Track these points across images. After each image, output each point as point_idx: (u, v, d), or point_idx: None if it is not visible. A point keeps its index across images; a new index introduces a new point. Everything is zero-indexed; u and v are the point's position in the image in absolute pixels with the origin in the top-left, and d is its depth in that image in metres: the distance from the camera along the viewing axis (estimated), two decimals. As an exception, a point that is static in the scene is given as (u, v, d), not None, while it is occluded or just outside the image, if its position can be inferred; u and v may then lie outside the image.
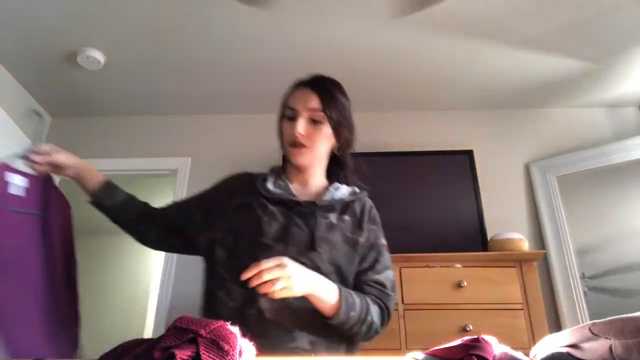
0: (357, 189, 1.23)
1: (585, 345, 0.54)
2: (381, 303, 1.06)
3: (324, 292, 0.96)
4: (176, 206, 1.33)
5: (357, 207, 1.17)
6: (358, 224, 1.13)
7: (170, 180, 3.20)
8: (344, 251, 1.08)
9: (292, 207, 1.10)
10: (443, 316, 2.14)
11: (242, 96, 3.04)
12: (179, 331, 0.52)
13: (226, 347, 0.50)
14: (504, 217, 2.74)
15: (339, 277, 1.06)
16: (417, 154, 2.91)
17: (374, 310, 1.04)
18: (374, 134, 3.08)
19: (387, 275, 1.11)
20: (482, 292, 2.19)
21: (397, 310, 2.15)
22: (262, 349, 0.60)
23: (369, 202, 1.21)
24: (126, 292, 4.74)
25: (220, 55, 2.68)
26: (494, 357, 0.54)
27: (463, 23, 2.43)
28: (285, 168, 1.24)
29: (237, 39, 2.56)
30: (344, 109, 1.18)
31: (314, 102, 1.14)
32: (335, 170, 1.25)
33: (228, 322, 0.55)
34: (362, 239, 1.11)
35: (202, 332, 0.51)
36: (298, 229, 1.06)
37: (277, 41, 2.57)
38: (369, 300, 1.04)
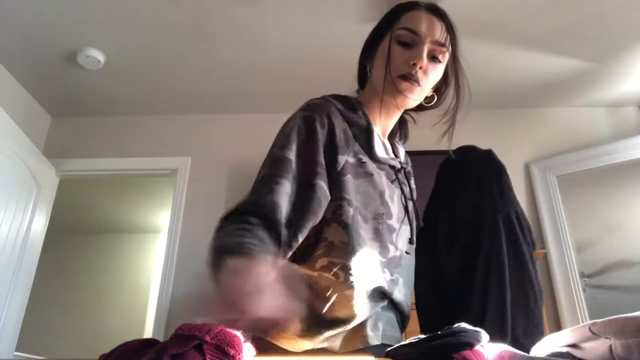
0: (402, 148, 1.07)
1: (585, 345, 0.54)
2: None
3: None
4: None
5: (411, 172, 1.07)
6: (409, 166, 1.04)
7: (170, 180, 3.21)
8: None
9: (394, 174, 0.93)
10: (443, 316, 2.14)
11: (242, 96, 3.04)
12: (183, 339, 0.51)
13: (232, 352, 0.50)
14: (504, 217, 2.74)
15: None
16: (417, 154, 2.90)
17: None
18: (374, 133, 3.08)
19: None
20: (482, 292, 2.18)
21: (397, 310, 2.15)
22: None
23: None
24: (126, 292, 4.75)
25: (220, 55, 2.68)
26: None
27: (463, 23, 2.42)
28: (358, 100, 0.97)
29: (237, 39, 2.56)
30: (460, 57, 0.99)
31: (440, 34, 0.92)
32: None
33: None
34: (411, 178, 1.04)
35: (207, 337, 0.51)
36: (408, 202, 0.93)
37: (277, 41, 2.57)
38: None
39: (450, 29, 0.96)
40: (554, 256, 2.63)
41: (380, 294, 0.83)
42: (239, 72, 2.82)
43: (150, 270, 4.82)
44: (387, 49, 0.90)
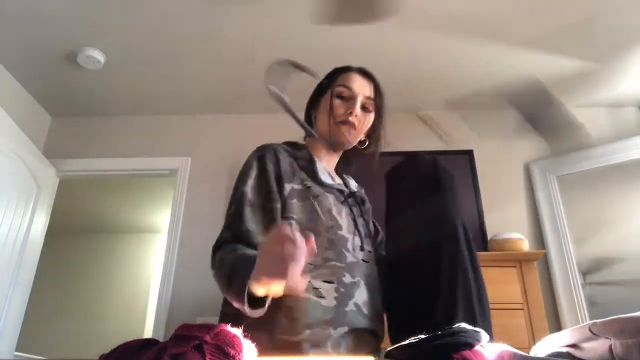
0: (353, 180, 1.30)
1: (585, 345, 0.54)
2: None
3: None
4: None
5: (365, 198, 1.26)
6: (361, 194, 1.25)
7: (170, 180, 3.20)
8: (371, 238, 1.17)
9: (343, 197, 1.13)
10: (443, 316, 2.14)
11: (242, 96, 3.04)
12: (183, 339, 0.51)
13: (232, 352, 0.50)
14: (504, 217, 2.74)
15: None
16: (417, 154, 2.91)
17: None
18: (374, 134, 3.08)
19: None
20: (482, 292, 2.18)
21: (397, 310, 2.16)
22: None
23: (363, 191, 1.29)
24: (126, 292, 4.74)
25: (220, 55, 2.68)
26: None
27: (463, 23, 2.43)
28: (305, 144, 1.25)
29: (236, 39, 2.56)
30: (385, 108, 1.23)
31: (369, 90, 1.18)
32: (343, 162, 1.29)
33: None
34: (365, 205, 1.23)
35: (207, 338, 0.51)
36: (358, 219, 1.12)
37: (276, 42, 2.57)
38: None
39: (377, 88, 1.19)
40: (553, 256, 2.62)
41: (343, 296, 0.97)
42: (239, 72, 2.82)
43: (150, 270, 4.82)
44: (330, 102, 1.19)
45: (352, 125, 1.14)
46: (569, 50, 2.60)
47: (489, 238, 2.51)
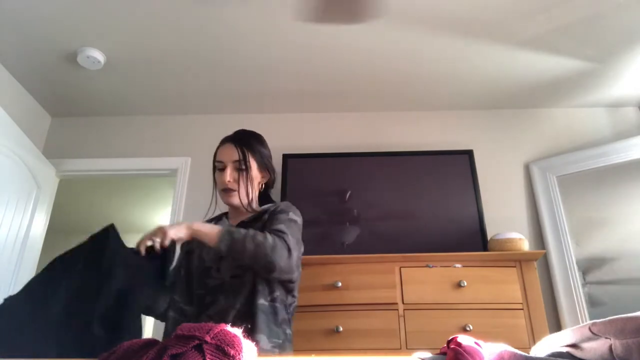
0: (277, 202, 1.55)
1: (585, 345, 0.54)
2: (273, 233, 1.31)
3: (205, 228, 1.28)
4: None
5: (272, 207, 1.49)
6: (270, 215, 1.45)
7: (170, 180, 3.21)
8: None
9: None
10: (443, 316, 2.14)
11: (242, 96, 3.04)
12: (183, 339, 0.51)
13: (232, 352, 0.50)
14: (504, 217, 2.74)
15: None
16: (417, 154, 2.91)
17: (260, 234, 1.28)
18: (374, 134, 3.08)
19: (280, 226, 1.36)
20: (482, 292, 2.19)
21: (397, 310, 2.16)
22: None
23: (283, 203, 1.51)
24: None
25: (220, 55, 2.68)
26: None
27: (463, 23, 2.43)
28: (228, 212, 1.61)
29: (237, 39, 2.56)
30: (262, 156, 1.53)
31: (235, 154, 1.48)
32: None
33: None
34: (265, 220, 1.44)
35: (207, 338, 0.51)
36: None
37: (277, 42, 2.57)
38: (256, 231, 1.31)
39: (244, 147, 1.50)
40: (553, 256, 2.63)
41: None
42: (239, 73, 2.82)
43: (150, 270, 4.81)
44: (213, 176, 1.55)
45: (231, 189, 1.47)
46: (569, 50, 2.60)
47: (489, 238, 2.51)
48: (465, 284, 2.19)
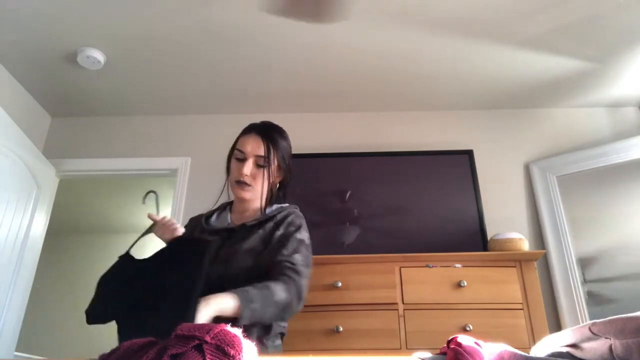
0: (284, 205, 1.44)
1: (585, 344, 0.54)
2: (286, 277, 1.20)
3: (221, 304, 1.09)
4: None
5: (279, 216, 1.38)
6: (276, 226, 1.35)
7: (170, 180, 3.21)
8: (258, 250, 1.28)
9: (226, 234, 1.33)
10: (443, 316, 2.14)
11: (242, 96, 3.04)
12: (183, 339, 0.51)
13: (232, 352, 0.50)
14: (504, 217, 2.74)
15: (257, 269, 1.25)
16: (417, 154, 2.91)
17: (279, 289, 1.15)
18: (374, 133, 3.08)
19: (296, 258, 1.26)
20: (482, 292, 2.19)
21: (397, 310, 2.16)
22: None
23: (291, 212, 1.41)
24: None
25: (220, 55, 2.68)
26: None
27: (463, 23, 2.43)
28: (233, 201, 1.48)
29: (237, 39, 2.56)
30: (285, 155, 1.43)
31: (261, 149, 1.36)
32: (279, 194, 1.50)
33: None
34: (275, 236, 1.31)
35: (207, 338, 0.51)
36: (227, 249, 1.29)
37: (277, 41, 2.57)
38: (269, 283, 1.16)
39: (270, 143, 1.38)
40: (554, 256, 2.63)
41: None
42: (239, 73, 2.82)
43: (150, 270, 4.81)
44: (230, 164, 1.42)
45: (245, 184, 1.35)
46: (569, 50, 2.60)
47: (489, 238, 2.51)
48: (465, 284, 2.19)
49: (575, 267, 2.59)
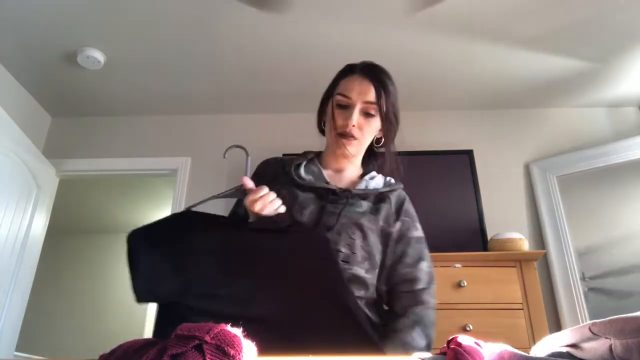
0: (392, 180, 1.22)
1: (585, 345, 0.54)
2: (417, 317, 1.03)
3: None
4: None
5: (393, 198, 1.16)
6: (392, 215, 1.13)
7: (170, 180, 3.21)
8: (374, 240, 1.07)
9: (326, 195, 1.09)
10: (443, 316, 2.12)
11: (242, 96, 3.04)
12: (183, 339, 0.51)
13: (232, 352, 0.50)
14: (504, 217, 2.74)
15: (371, 265, 1.05)
16: (417, 153, 2.91)
17: (417, 336, 0.99)
18: (374, 134, 3.08)
19: (421, 268, 1.10)
20: (482, 292, 2.19)
21: (397, 310, 2.16)
22: None
23: (403, 195, 1.20)
24: (126, 292, 4.74)
25: (221, 55, 2.68)
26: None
27: (463, 23, 2.43)
28: (321, 153, 1.23)
29: (237, 39, 2.56)
30: (395, 102, 1.20)
31: (370, 94, 1.12)
32: (370, 159, 1.25)
33: None
34: (394, 230, 1.11)
35: (207, 338, 0.51)
36: (331, 216, 1.05)
37: (278, 41, 2.57)
38: (403, 336, 0.99)
39: (380, 86, 1.14)
40: (554, 256, 2.63)
41: None
42: (239, 73, 2.82)
43: (150, 270, 4.81)
44: (331, 111, 1.14)
45: (352, 136, 1.11)
46: (569, 50, 2.60)
47: (489, 238, 2.51)
48: (465, 284, 2.19)
49: (575, 267, 2.59)
